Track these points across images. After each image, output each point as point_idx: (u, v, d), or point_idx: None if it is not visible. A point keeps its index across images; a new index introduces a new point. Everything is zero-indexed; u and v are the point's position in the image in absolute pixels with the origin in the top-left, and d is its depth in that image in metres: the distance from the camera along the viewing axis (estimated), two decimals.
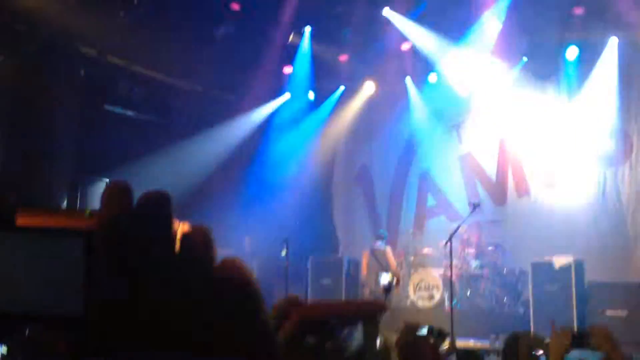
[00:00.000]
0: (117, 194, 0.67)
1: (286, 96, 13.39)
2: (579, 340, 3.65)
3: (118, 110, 12.15)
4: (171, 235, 0.66)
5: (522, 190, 11.67)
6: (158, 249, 0.64)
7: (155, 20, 10.68)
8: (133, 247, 0.64)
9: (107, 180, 11.48)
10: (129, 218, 0.65)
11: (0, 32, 9.82)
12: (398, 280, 7.18)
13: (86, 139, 11.07)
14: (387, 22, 11.64)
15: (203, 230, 0.69)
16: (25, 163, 9.97)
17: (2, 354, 3.47)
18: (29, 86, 9.80)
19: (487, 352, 7.49)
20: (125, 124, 12.14)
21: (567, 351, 3.38)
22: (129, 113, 12.35)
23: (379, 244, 11.32)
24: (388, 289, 5.32)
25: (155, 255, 0.64)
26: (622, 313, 8.39)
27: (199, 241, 0.67)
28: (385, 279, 6.16)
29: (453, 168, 12.44)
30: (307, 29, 12.17)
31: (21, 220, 0.68)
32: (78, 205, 11.06)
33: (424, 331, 4.56)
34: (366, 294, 11.82)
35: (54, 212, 0.69)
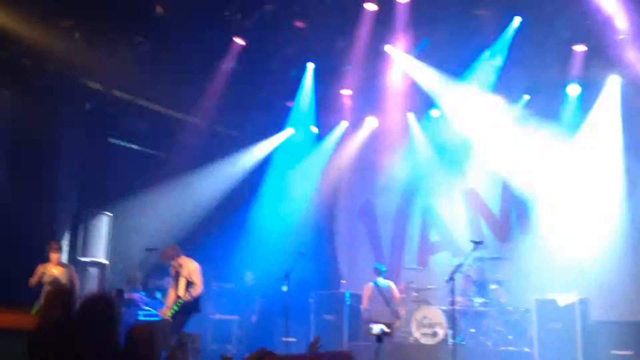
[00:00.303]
0: (59, 296, 0.66)
1: (289, 131, 13.44)
2: None
3: (123, 143, 12.22)
4: (115, 340, 0.66)
5: (525, 227, 11.62)
6: (100, 354, 0.63)
7: (160, 55, 10.79)
8: (72, 354, 0.63)
9: (111, 214, 11.50)
10: (69, 323, 0.64)
11: (6, 67, 9.93)
12: (388, 332, 7.05)
13: (90, 173, 11.11)
14: (389, 58, 11.72)
15: (147, 330, 0.68)
16: (29, 196, 9.98)
17: None
18: (34, 120, 9.87)
19: None
20: (130, 158, 12.19)
21: None
22: (134, 147, 12.41)
23: (381, 279, 11.26)
24: (379, 339, 5.27)
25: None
26: (628, 353, 8.28)
27: (144, 341, 0.66)
28: (376, 329, 6.09)
29: (457, 203, 12.41)
30: (310, 65, 12.26)
31: None
32: (80, 240, 11.07)
33: None
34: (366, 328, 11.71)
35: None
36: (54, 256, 9.48)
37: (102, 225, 11.45)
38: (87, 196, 11.16)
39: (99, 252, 11.34)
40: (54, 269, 9.39)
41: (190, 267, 9.24)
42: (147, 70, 10.84)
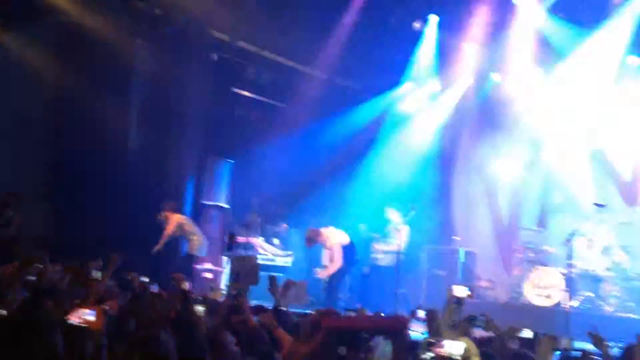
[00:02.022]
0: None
1: (409, 85, 13.28)
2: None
3: (246, 94, 12.62)
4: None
5: None
6: None
7: (283, 7, 10.97)
8: None
9: (232, 162, 11.99)
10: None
11: (140, 16, 10.47)
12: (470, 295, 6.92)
13: (214, 121, 11.59)
14: (516, 9, 11.24)
15: None
16: (157, 143, 10.58)
17: None
18: (164, 69, 10.39)
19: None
20: (252, 108, 12.60)
21: None
22: (256, 97, 12.79)
23: None
24: (458, 302, 5.17)
25: None
26: None
27: None
28: (462, 292, 5.91)
29: (583, 164, 11.83)
30: (434, 18, 11.99)
31: None
32: (204, 186, 11.63)
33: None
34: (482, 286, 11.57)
35: None
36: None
37: (225, 172, 11.98)
38: (211, 144, 11.68)
39: (221, 197, 11.90)
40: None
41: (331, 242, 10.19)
42: (271, 22, 11.06)
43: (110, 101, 10.04)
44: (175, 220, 10.20)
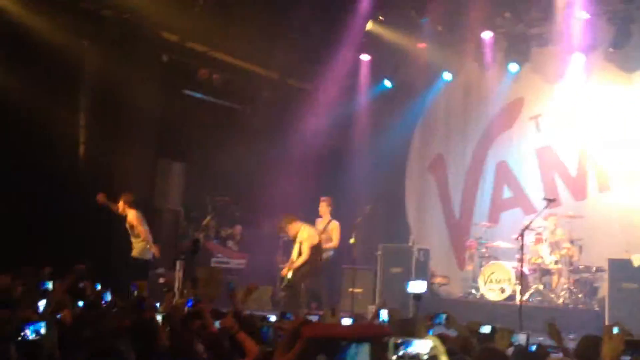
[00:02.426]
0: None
1: (363, 84, 13.34)
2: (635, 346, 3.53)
3: (198, 95, 12.48)
4: None
5: (603, 186, 11.25)
6: None
7: (234, 7, 10.89)
8: None
9: (185, 164, 11.85)
10: None
11: (86, 18, 10.25)
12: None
13: (166, 123, 11.43)
14: (468, 9, 11.42)
15: None
16: (108, 146, 10.38)
17: None
18: (112, 71, 10.19)
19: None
20: (205, 110, 12.47)
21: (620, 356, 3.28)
22: (209, 99, 12.66)
23: None
24: (419, 297, 5.23)
25: None
26: None
27: None
28: (418, 287, 5.95)
29: (531, 160, 12.12)
30: (385, 17, 12.08)
31: None
32: (156, 189, 11.46)
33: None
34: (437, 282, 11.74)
35: None
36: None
37: (177, 175, 11.84)
38: (163, 146, 11.52)
39: (173, 201, 11.75)
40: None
41: (302, 236, 9.71)
42: (222, 22, 10.97)
43: (59, 104, 9.80)
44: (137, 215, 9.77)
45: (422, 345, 2.79)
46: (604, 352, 3.24)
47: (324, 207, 10.38)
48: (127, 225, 9.52)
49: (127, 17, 10.54)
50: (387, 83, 13.33)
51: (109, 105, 10.51)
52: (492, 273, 10.62)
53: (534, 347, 4.59)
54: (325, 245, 10.03)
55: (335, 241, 10.22)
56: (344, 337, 2.02)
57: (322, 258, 9.86)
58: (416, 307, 6.25)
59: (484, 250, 11.21)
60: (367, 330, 2.18)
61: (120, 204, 9.49)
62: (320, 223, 10.34)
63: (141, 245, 9.55)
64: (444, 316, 4.70)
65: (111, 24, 10.46)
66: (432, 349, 3.03)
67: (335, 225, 10.29)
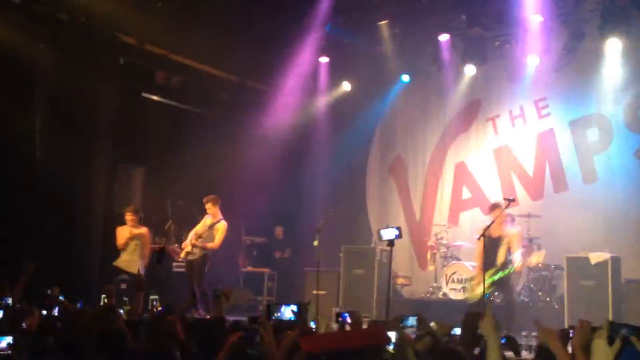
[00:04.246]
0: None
1: (322, 86, 13.36)
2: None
3: (156, 98, 12.31)
4: None
5: (560, 186, 11.50)
6: None
7: (192, 9, 10.78)
8: None
9: (145, 168, 11.67)
10: None
11: (42, 20, 10.02)
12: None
13: (124, 127, 11.24)
14: (425, 12, 11.55)
15: None
16: (65, 150, 10.15)
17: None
18: (68, 74, 9.97)
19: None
20: (163, 113, 12.30)
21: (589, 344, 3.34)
22: (167, 101, 12.51)
23: None
24: (392, 243, 5.40)
25: None
26: None
27: None
28: (390, 234, 6.16)
29: (488, 160, 12.31)
30: (344, 19, 12.12)
31: None
32: (115, 194, 11.26)
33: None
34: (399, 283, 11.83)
35: None
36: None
37: (137, 179, 11.66)
38: (121, 150, 11.32)
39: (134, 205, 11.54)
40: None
41: (221, 225, 9.77)
42: (180, 24, 10.85)
43: (14, 108, 9.57)
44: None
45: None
46: (573, 341, 3.29)
47: (210, 207, 10.00)
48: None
49: (83, 20, 10.33)
50: (347, 85, 13.40)
51: (65, 109, 10.27)
52: (454, 273, 10.77)
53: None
54: (206, 244, 9.79)
55: (217, 242, 9.81)
56: (343, 349, 2.00)
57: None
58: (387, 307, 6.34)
59: (445, 250, 11.36)
60: (366, 340, 2.17)
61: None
62: (209, 219, 10.00)
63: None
64: (414, 318, 4.68)
65: (67, 26, 10.24)
66: (397, 340, 3.07)
67: (223, 225, 9.92)
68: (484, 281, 8.32)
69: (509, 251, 8.88)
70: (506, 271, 8.79)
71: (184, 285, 10.08)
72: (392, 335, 2.98)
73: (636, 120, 10.85)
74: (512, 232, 9.14)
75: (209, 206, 10.02)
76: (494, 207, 9.07)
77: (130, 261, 9.59)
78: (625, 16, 10.39)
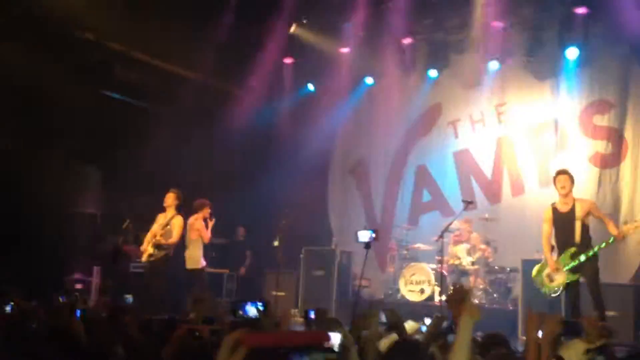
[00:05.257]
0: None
1: (286, 87, 13.34)
2: (571, 328, 3.66)
3: (115, 96, 12.13)
4: None
5: (517, 189, 11.66)
6: None
7: (155, 6, 10.65)
8: None
9: (102, 166, 11.49)
10: None
11: None
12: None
13: (82, 124, 11.05)
14: (389, 16, 11.61)
15: None
16: (19, 148, 9.96)
17: None
18: (25, 70, 9.77)
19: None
20: (123, 110, 12.11)
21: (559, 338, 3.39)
22: (127, 99, 12.33)
23: None
24: (368, 245, 5.53)
25: None
26: (610, 314, 8.37)
27: None
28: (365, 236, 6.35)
29: (449, 164, 12.43)
30: (308, 20, 12.14)
31: None
32: (71, 192, 11.08)
33: None
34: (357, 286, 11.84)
35: None
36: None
37: (94, 178, 11.48)
38: (78, 148, 11.14)
39: (90, 204, 11.39)
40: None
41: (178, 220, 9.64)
42: (141, 21, 10.71)
43: None
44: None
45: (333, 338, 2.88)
46: (542, 334, 3.31)
47: (171, 199, 9.68)
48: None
49: (39, 15, 10.13)
50: (311, 86, 13.41)
51: (19, 106, 10.07)
52: (413, 274, 10.85)
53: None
54: (165, 241, 9.49)
55: (175, 237, 9.52)
56: (284, 345, 2.01)
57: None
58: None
59: (404, 252, 11.44)
60: (307, 338, 2.18)
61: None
62: (162, 217, 9.71)
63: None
64: (382, 314, 4.69)
65: (23, 22, 10.03)
66: (342, 340, 3.08)
67: (179, 220, 9.62)
68: (562, 267, 7.56)
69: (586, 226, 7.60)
70: (597, 248, 7.51)
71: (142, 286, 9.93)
72: (337, 336, 2.99)
73: (591, 126, 11.05)
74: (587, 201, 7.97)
75: (171, 197, 9.75)
76: None
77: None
78: (583, 26, 10.59)
